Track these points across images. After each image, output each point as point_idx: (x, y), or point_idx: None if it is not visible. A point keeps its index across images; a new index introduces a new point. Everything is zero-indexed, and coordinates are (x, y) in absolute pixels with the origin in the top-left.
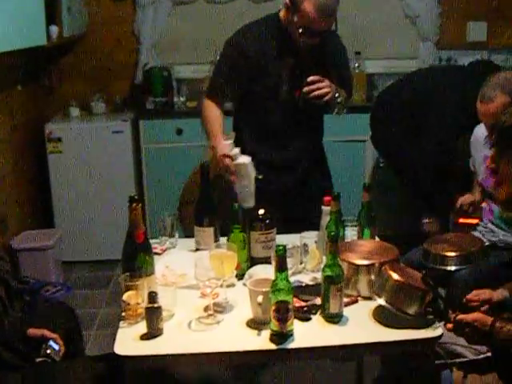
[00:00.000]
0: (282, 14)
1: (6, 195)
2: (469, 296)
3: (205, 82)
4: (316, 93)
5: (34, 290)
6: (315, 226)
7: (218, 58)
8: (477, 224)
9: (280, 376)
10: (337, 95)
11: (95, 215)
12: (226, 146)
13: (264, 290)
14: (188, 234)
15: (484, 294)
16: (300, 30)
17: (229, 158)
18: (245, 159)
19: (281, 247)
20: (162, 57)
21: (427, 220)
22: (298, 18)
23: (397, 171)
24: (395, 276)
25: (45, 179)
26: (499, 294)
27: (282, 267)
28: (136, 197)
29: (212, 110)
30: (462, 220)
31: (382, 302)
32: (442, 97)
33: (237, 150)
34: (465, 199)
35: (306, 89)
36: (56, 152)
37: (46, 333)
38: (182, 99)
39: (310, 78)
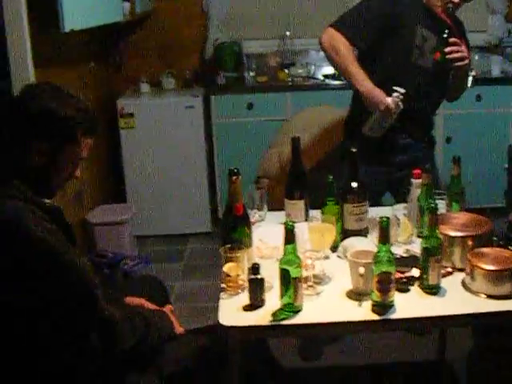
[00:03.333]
0: None
1: (81, 171)
2: None
3: (275, 57)
4: (456, 54)
5: (113, 263)
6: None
7: (356, 5)
8: None
9: (353, 350)
10: (472, 67)
11: (167, 190)
12: (382, 93)
13: (366, 261)
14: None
15: None
16: None
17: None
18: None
19: (385, 219)
20: (231, 32)
21: None
22: None
23: None
24: (484, 266)
25: (117, 154)
26: None
27: (385, 238)
28: (236, 170)
29: (347, 47)
30: None
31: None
32: None
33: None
34: None
35: (448, 49)
36: (128, 128)
37: (144, 302)
38: (251, 74)
39: (453, 39)
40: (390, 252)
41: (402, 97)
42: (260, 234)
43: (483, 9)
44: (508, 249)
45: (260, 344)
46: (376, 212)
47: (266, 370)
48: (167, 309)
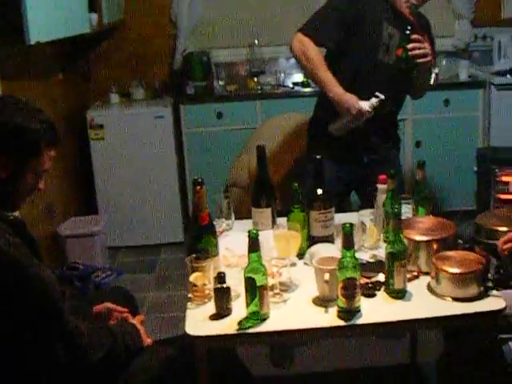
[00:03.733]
0: None
1: (51, 183)
2: (501, 244)
3: (244, 66)
4: (418, 51)
5: (84, 275)
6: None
7: (321, 7)
8: None
9: (324, 356)
10: (435, 65)
11: (138, 200)
12: (354, 98)
13: (331, 267)
14: (237, 215)
15: None
16: None
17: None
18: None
19: (347, 225)
20: (200, 42)
21: None
22: None
23: None
24: (449, 269)
25: (88, 166)
26: None
27: (349, 244)
28: (200, 179)
29: (316, 52)
30: (503, 196)
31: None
32: None
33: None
34: None
35: (410, 45)
36: (98, 139)
37: (109, 305)
38: (221, 83)
39: (415, 36)
40: (355, 258)
41: (380, 102)
42: (227, 243)
43: (450, 14)
44: (473, 251)
45: (229, 352)
46: (342, 218)
47: (235, 378)
48: (137, 319)
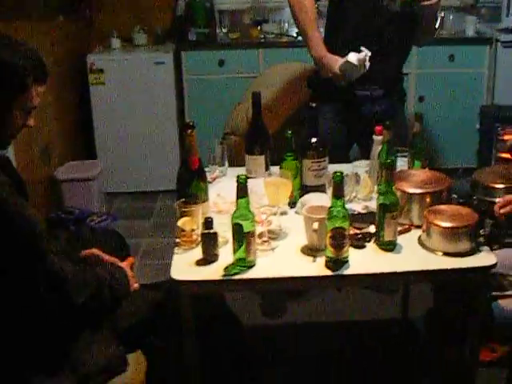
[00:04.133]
0: None
1: (48, 127)
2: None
3: (247, 13)
4: None
5: (79, 219)
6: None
7: None
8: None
9: (318, 308)
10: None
11: (137, 147)
12: (334, 60)
13: (320, 216)
14: (232, 164)
15: None
16: None
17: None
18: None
19: (338, 174)
20: None
21: None
22: None
23: None
24: (440, 223)
25: (87, 111)
26: None
27: (338, 194)
28: (191, 123)
29: (312, 7)
30: (504, 154)
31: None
32: None
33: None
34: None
35: None
36: (98, 83)
37: (96, 251)
38: (223, 30)
39: None
40: (344, 207)
41: (367, 57)
42: (219, 189)
43: None
44: (467, 207)
45: (217, 299)
46: (337, 168)
47: (223, 324)
48: (127, 263)
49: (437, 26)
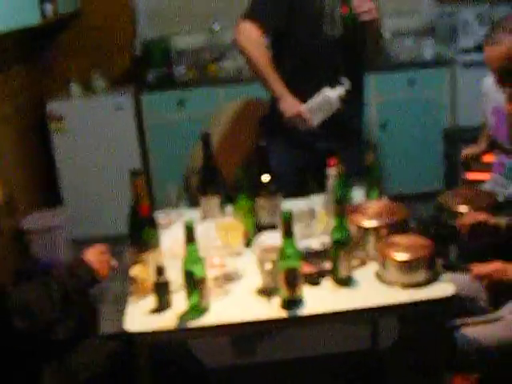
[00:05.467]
0: None
1: (12, 176)
2: (461, 222)
3: (204, 52)
4: (364, 8)
5: (45, 270)
6: None
7: None
8: (487, 179)
9: (287, 344)
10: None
11: (102, 191)
12: (295, 104)
13: (272, 257)
14: (196, 205)
15: (479, 215)
16: None
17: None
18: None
19: (287, 212)
20: (160, 28)
21: None
22: None
23: None
24: (396, 255)
25: (50, 158)
26: (497, 220)
27: (288, 233)
28: (138, 170)
29: (264, 50)
30: (471, 176)
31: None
32: None
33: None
34: (468, 151)
35: (356, 1)
36: (59, 130)
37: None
38: (181, 70)
39: None
40: (295, 246)
41: (344, 93)
42: (177, 233)
43: None
44: (429, 232)
45: (179, 345)
46: (292, 204)
47: (185, 370)
48: (93, 250)
49: (382, 44)
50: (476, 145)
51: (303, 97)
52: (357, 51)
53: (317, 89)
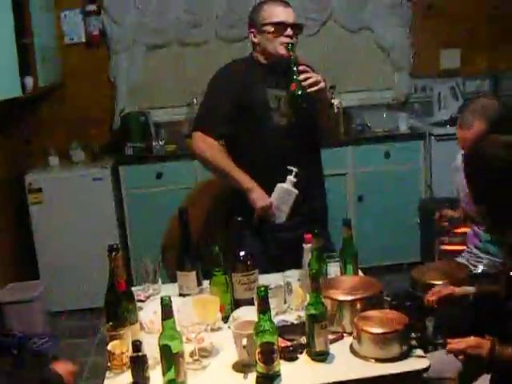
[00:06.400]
0: (254, 54)
1: None
2: (428, 297)
3: (183, 125)
4: (311, 80)
5: (20, 343)
6: None
7: (204, 96)
8: (462, 250)
9: None
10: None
11: (80, 264)
12: (264, 196)
13: (248, 332)
14: (174, 278)
15: (445, 289)
16: (272, 30)
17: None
18: (285, 186)
19: (262, 288)
20: (139, 102)
21: None
22: (264, 21)
23: None
24: (370, 329)
25: (27, 230)
26: (462, 289)
27: (264, 308)
28: (115, 245)
29: (214, 145)
30: (447, 247)
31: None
32: None
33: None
34: (445, 212)
35: (301, 76)
36: (37, 203)
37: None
38: (160, 143)
39: (302, 66)
40: (271, 321)
41: (295, 179)
42: (155, 307)
43: (388, 66)
44: (400, 309)
45: None
46: (269, 280)
47: None
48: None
49: (336, 111)
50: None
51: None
52: (310, 133)
53: (275, 180)
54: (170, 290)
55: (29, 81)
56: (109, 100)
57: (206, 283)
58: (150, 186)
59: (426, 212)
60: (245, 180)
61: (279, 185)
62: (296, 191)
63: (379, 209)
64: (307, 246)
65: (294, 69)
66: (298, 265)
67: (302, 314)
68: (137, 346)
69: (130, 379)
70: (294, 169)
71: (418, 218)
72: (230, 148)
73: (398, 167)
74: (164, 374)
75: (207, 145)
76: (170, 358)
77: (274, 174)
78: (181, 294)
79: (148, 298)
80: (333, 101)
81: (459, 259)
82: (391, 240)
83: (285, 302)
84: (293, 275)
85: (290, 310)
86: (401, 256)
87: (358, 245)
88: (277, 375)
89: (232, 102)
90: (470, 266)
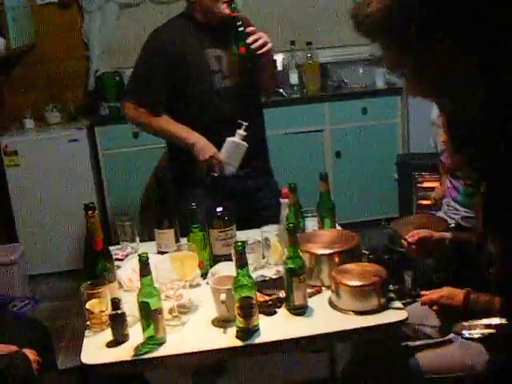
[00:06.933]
0: (192, 12)
1: None
2: (407, 237)
3: None
4: (260, 41)
5: (0, 305)
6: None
7: (137, 63)
8: (434, 204)
9: (246, 378)
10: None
11: (58, 226)
12: (207, 147)
13: (226, 287)
14: (152, 237)
15: (423, 231)
16: None
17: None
18: (235, 139)
19: (239, 243)
20: (113, 62)
21: None
22: None
23: None
24: (348, 282)
25: (4, 193)
26: (440, 234)
27: (242, 263)
28: (91, 204)
29: (144, 112)
30: (424, 202)
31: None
32: None
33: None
34: (437, 194)
35: (250, 39)
36: (13, 165)
37: (12, 348)
38: None
39: (251, 28)
40: (249, 276)
41: (245, 133)
42: (134, 265)
43: None
44: (378, 262)
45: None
46: (247, 235)
47: None
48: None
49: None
50: (440, 184)
51: None
52: (253, 92)
53: (221, 140)
54: (148, 248)
55: (1, 42)
56: (83, 60)
57: (183, 240)
58: (126, 145)
59: (404, 167)
60: (187, 136)
61: (228, 139)
62: (246, 144)
63: (357, 164)
64: (284, 201)
65: (241, 29)
66: (249, 216)
67: (281, 268)
68: (115, 303)
69: (110, 337)
70: (244, 123)
71: (396, 174)
72: (171, 113)
73: (375, 123)
74: (143, 330)
75: (137, 113)
76: (149, 315)
77: (220, 136)
78: (159, 252)
79: (126, 256)
80: (275, 57)
81: (438, 213)
82: (369, 195)
83: (263, 258)
84: (271, 230)
85: (269, 265)
86: (379, 211)
87: (337, 201)
88: (256, 329)
89: (166, 70)
90: (448, 219)
